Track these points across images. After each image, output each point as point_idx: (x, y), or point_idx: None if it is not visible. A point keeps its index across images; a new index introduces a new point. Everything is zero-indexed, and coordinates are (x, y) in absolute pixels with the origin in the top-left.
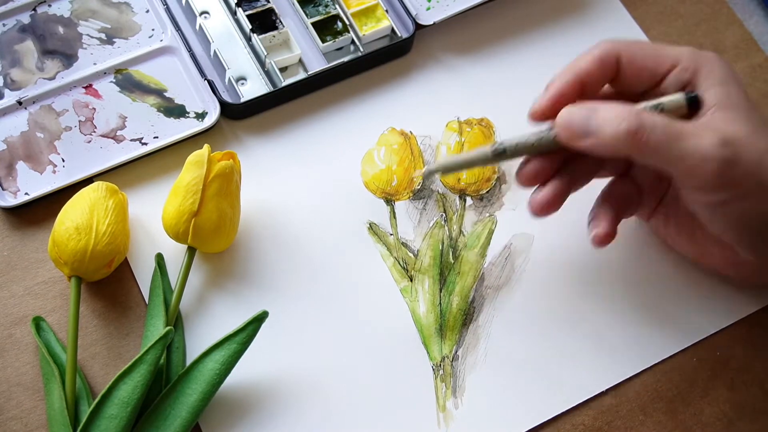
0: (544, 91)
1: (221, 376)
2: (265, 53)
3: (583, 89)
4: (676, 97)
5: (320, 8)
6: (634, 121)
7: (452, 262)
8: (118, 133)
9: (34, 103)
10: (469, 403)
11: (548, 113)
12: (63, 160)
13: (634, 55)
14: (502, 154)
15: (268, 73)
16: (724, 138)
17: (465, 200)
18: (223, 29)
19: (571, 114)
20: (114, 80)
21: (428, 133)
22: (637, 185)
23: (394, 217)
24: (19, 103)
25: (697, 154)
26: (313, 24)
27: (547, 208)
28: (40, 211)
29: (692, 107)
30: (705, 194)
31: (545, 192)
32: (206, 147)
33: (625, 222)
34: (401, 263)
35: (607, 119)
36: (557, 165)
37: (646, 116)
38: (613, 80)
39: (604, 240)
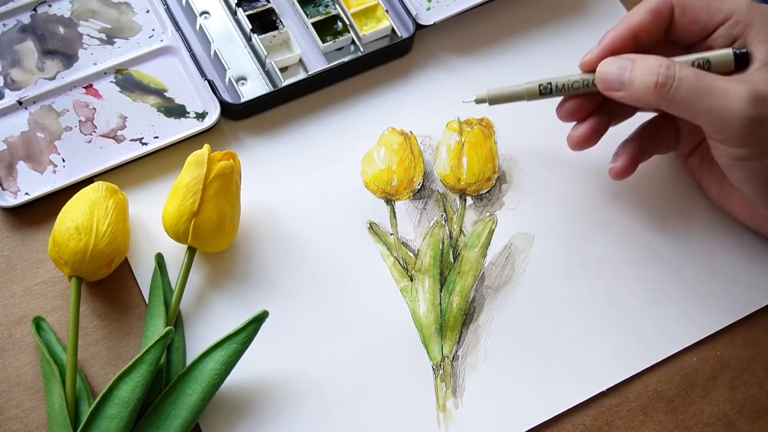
0: (598, 42)
1: (221, 376)
2: (266, 53)
3: (636, 41)
4: (723, 53)
5: (320, 8)
6: (663, 75)
7: (452, 261)
8: (119, 133)
9: (34, 103)
10: (469, 403)
11: (598, 64)
12: (63, 160)
13: (688, 6)
14: (548, 92)
15: (268, 73)
16: (755, 95)
17: (465, 200)
18: (223, 29)
19: (608, 66)
20: (114, 80)
21: (428, 133)
22: (675, 125)
23: (394, 217)
24: (20, 103)
25: (725, 110)
26: (314, 24)
27: (583, 143)
28: (40, 211)
29: (740, 63)
30: (729, 148)
31: (583, 128)
32: (206, 147)
33: (624, 222)
34: (401, 263)
35: (639, 73)
36: (597, 102)
37: (677, 70)
38: (666, 30)
39: (619, 174)
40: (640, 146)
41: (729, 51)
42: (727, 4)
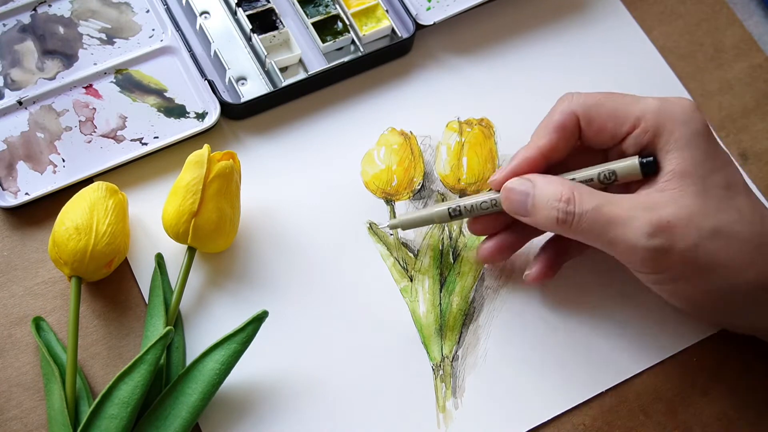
0: (509, 162)
1: (221, 376)
2: (266, 53)
3: (547, 160)
4: (629, 163)
5: (320, 8)
6: (562, 210)
7: (452, 262)
8: (119, 133)
9: (34, 103)
10: (469, 403)
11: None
12: (63, 160)
13: (594, 117)
14: (458, 215)
15: (268, 73)
16: (656, 225)
17: None
18: (223, 29)
19: (511, 192)
20: (114, 80)
21: (428, 133)
22: None
23: (394, 217)
24: (20, 103)
25: (626, 243)
26: (314, 24)
27: (489, 258)
28: (40, 211)
29: (649, 172)
30: (640, 275)
31: (491, 244)
32: (206, 147)
33: None
34: (401, 263)
35: (540, 202)
36: (510, 220)
37: (577, 203)
38: (578, 139)
39: (534, 281)
40: (560, 248)
41: (635, 161)
42: (635, 110)
